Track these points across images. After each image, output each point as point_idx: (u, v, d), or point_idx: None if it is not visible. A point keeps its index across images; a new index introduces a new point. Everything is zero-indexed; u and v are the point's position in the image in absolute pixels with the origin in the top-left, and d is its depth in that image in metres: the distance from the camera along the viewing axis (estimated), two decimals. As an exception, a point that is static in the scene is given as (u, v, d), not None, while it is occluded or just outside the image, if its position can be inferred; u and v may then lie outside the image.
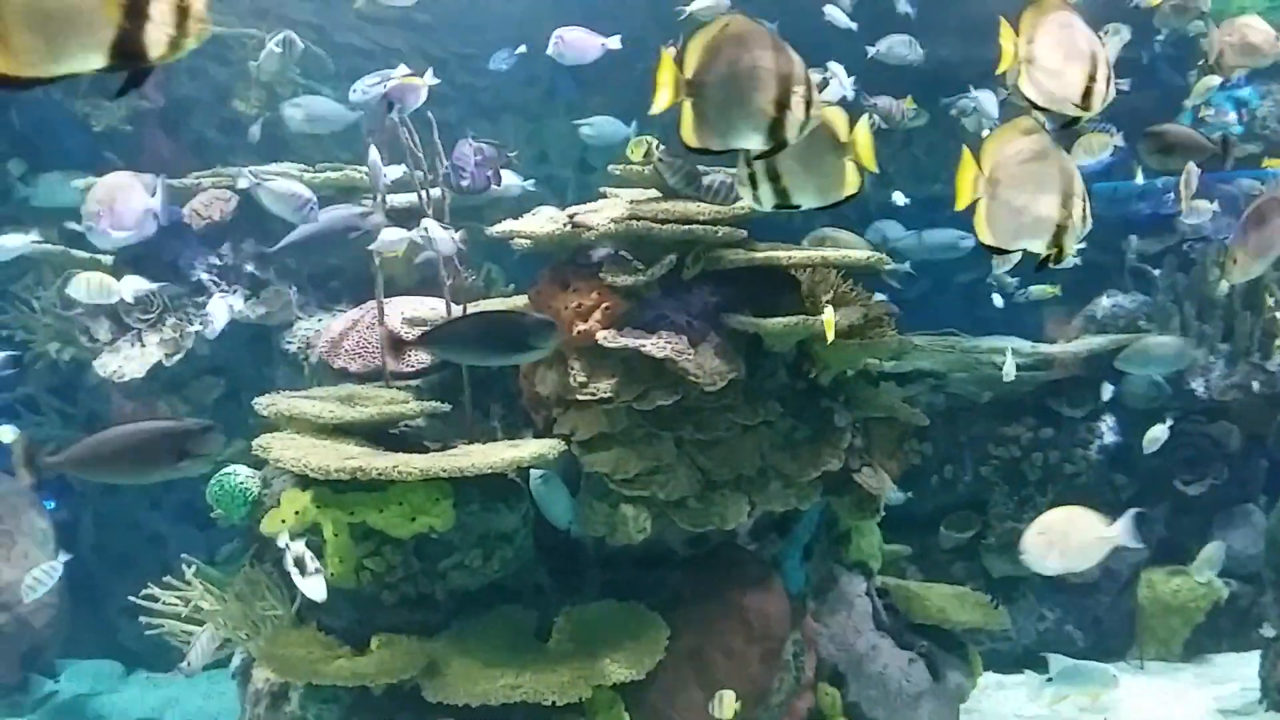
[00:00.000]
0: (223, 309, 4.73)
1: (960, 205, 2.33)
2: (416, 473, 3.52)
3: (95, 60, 1.49)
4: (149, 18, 1.50)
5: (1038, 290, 5.85)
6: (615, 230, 3.96)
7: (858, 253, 4.18)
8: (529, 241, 4.16)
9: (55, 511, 5.41)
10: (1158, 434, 5.34)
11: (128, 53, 1.50)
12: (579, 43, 4.48)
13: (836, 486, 4.18)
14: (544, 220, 4.21)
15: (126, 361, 5.00)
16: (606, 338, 3.85)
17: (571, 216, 4.09)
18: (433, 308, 4.48)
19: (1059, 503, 5.70)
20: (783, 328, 3.83)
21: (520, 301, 4.28)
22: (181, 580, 4.25)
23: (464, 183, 3.94)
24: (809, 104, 2.27)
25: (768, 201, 2.49)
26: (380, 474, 3.50)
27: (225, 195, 5.05)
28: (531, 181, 4.99)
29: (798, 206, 2.51)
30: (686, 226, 3.90)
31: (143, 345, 5.00)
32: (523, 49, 4.80)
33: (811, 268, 4.11)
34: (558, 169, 6.32)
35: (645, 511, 3.86)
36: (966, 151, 2.33)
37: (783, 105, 2.23)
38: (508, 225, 4.21)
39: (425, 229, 3.79)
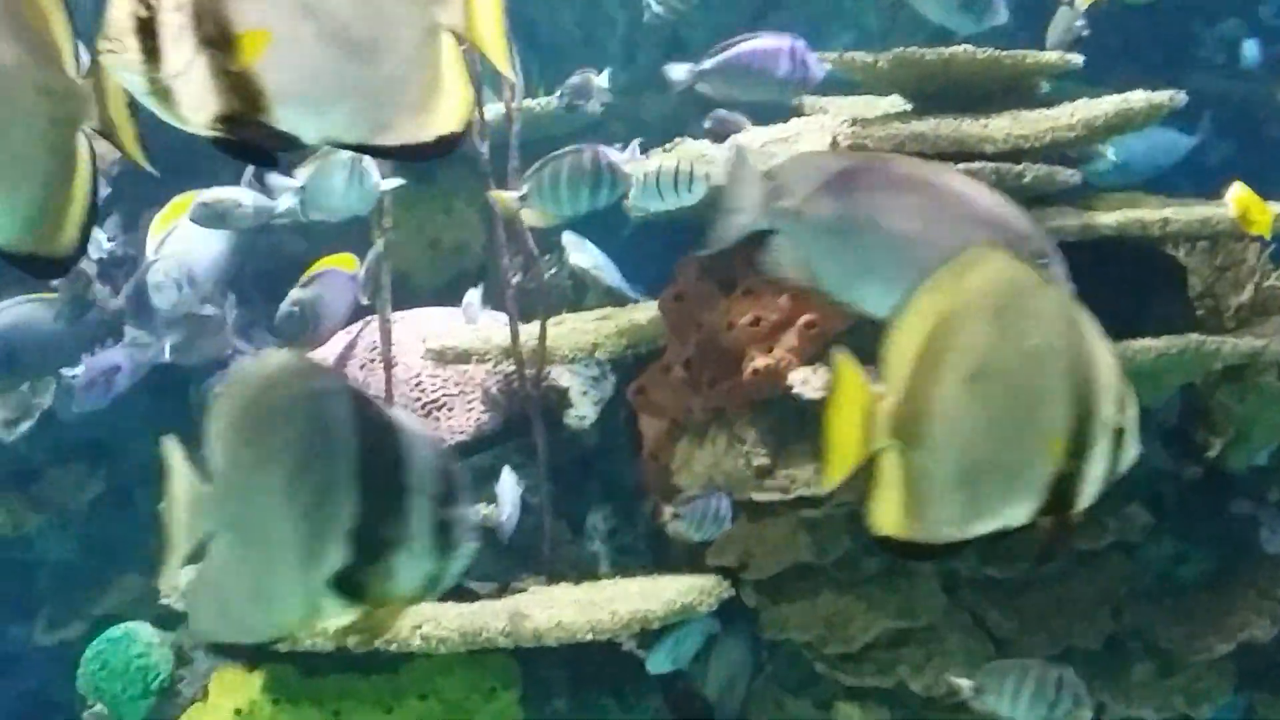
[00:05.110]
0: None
1: None
2: (454, 638, 3.05)
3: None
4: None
5: None
6: (823, 174, 3.11)
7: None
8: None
9: None
10: None
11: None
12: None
13: (1269, 674, 3.39)
14: (687, 158, 3.37)
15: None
16: (810, 382, 3.13)
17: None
18: (478, 324, 3.70)
19: None
20: (1159, 358, 2.97)
21: (647, 313, 3.53)
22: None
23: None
24: None
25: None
26: (391, 642, 3.05)
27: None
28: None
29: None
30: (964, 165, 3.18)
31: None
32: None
33: (1212, 239, 3.30)
34: None
35: (887, 714, 3.28)
36: None
37: None
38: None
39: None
